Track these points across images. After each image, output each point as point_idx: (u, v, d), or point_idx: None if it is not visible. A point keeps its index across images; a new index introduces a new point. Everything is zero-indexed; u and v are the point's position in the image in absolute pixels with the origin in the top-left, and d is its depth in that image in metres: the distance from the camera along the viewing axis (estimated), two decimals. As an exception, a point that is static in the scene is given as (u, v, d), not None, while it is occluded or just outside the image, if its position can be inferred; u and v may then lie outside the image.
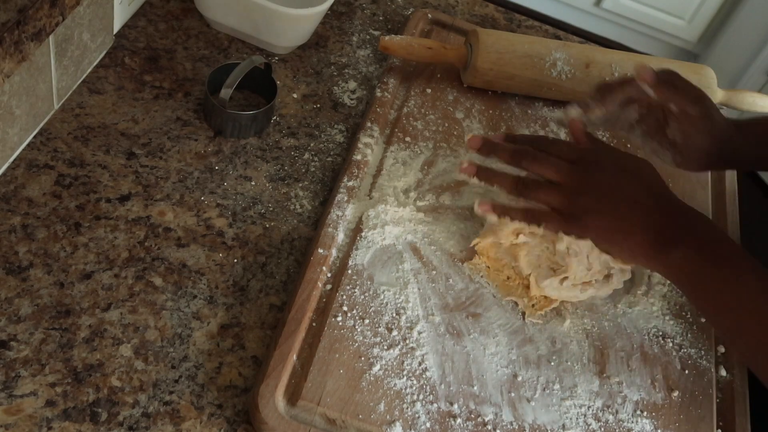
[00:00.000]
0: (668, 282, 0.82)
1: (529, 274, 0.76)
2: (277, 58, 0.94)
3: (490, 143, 0.75)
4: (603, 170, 0.68)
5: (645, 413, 0.72)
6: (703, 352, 0.78)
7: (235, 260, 0.75)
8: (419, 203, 0.81)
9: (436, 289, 0.75)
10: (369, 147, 0.84)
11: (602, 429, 0.70)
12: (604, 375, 0.74)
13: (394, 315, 0.72)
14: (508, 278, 0.78)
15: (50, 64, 0.75)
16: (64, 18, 0.68)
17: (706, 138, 0.78)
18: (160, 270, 0.72)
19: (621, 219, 0.67)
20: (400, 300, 0.73)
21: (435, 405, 0.68)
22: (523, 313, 0.76)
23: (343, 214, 0.78)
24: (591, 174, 0.69)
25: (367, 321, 0.71)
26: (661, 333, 0.78)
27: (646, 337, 0.77)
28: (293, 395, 0.66)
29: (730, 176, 0.97)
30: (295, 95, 0.90)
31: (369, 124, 0.86)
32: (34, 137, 0.77)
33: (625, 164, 0.69)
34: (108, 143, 0.79)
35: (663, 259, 0.67)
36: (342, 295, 0.72)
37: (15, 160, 0.75)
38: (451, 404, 0.68)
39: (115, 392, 0.64)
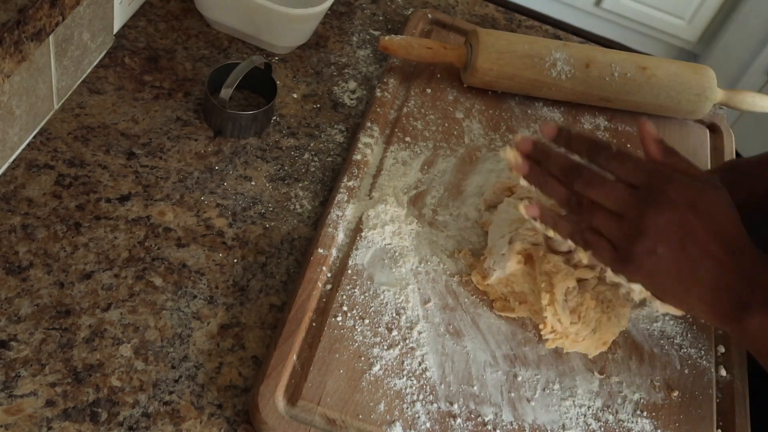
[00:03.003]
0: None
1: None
2: (277, 58, 0.94)
3: (541, 149, 0.64)
4: (671, 205, 0.57)
5: (645, 413, 0.72)
6: (703, 352, 0.78)
7: (235, 260, 0.75)
8: (420, 206, 0.81)
9: (436, 289, 0.75)
10: (369, 147, 0.84)
11: (602, 429, 0.70)
12: (604, 375, 0.74)
13: (394, 315, 0.72)
14: (506, 299, 0.76)
15: (50, 64, 0.75)
16: (64, 18, 0.68)
17: None
18: (160, 270, 0.72)
19: (686, 270, 0.57)
20: (400, 300, 0.73)
21: (435, 405, 0.68)
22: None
23: (343, 214, 0.78)
24: (656, 208, 0.57)
25: (367, 321, 0.71)
26: (661, 333, 0.78)
27: (647, 337, 0.77)
28: (293, 395, 0.66)
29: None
30: (295, 95, 0.90)
31: (369, 124, 0.86)
32: (34, 137, 0.77)
33: (699, 199, 0.57)
34: (108, 143, 0.79)
35: (735, 323, 0.58)
36: (342, 295, 0.72)
37: (15, 160, 0.75)
38: (451, 404, 0.68)
39: (115, 392, 0.64)
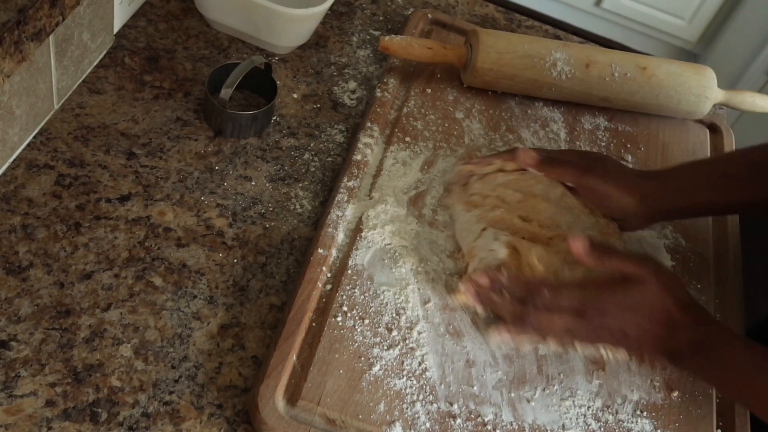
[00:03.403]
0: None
1: None
2: (277, 58, 0.94)
3: (484, 294, 0.73)
4: (606, 314, 0.69)
5: (645, 413, 0.72)
6: (703, 352, 0.78)
7: (235, 260, 0.75)
8: (420, 206, 0.81)
9: (436, 289, 0.75)
10: (369, 147, 0.84)
11: (602, 429, 0.70)
12: (604, 375, 0.74)
13: (394, 315, 0.72)
14: None
15: (50, 64, 0.75)
16: (64, 18, 0.68)
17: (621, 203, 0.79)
18: (160, 270, 0.72)
19: (630, 345, 0.71)
20: (400, 300, 0.73)
21: (435, 405, 0.68)
22: None
23: (343, 214, 0.78)
24: (597, 321, 0.70)
25: (367, 321, 0.71)
26: (661, 333, 0.78)
27: (646, 337, 0.77)
28: (293, 395, 0.66)
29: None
30: (295, 95, 0.90)
31: (369, 124, 0.86)
32: (34, 137, 0.77)
33: (627, 302, 0.70)
34: (108, 143, 0.79)
35: (678, 367, 0.73)
36: (342, 295, 0.72)
37: (15, 160, 0.75)
38: (451, 404, 0.68)
39: (115, 392, 0.64)
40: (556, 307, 0.70)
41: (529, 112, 0.95)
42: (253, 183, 0.81)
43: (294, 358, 0.67)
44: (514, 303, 0.71)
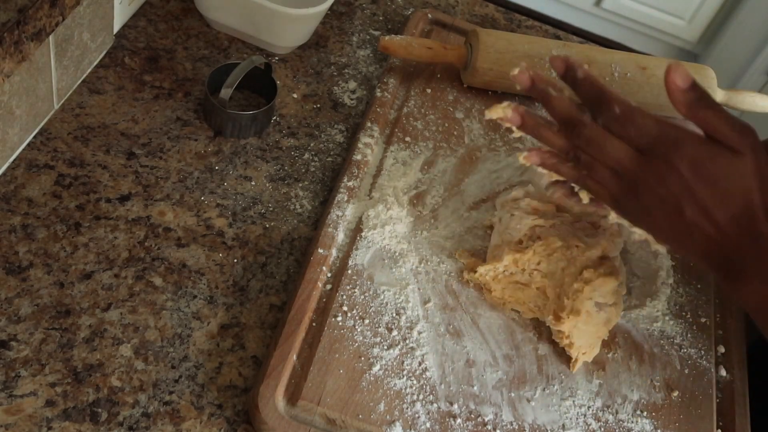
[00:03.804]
0: (671, 283, 0.82)
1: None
2: (277, 58, 0.94)
3: (540, 91, 0.60)
4: (672, 174, 0.54)
5: (645, 413, 0.72)
6: (703, 352, 0.78)
7: (235, 260, 0.75)
8: (420, 206, 0.81)
9: (436, 289, 0.75)
10: (369, 147, 0.84)
11: (602, 429, 0.70)
12: (604, 375, 0.74)
13: (394, 315, 0.72)
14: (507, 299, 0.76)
15: (50, 64, 0.75)
16: (64, 18, 0.68)
17: None
18: (160, 270, 0.72)
19: (681, 232, 0.56)
20: (400, 300, 0.73)
21: (435, 405, 0.68)
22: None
23: (343, 214, 0.78)
24: (656, 176, 0.55)
25: (367, 321, 0.71)
26: (661, 333, 0.78)
27: (647, 337, 0.77)
28: (293, 395, 0.66)
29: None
30: (295, 95, 0.90)
31: (369, 124, 0.86)
32: (34, 137, 0.77)
33: (708, 165, 0.54)
34: (108, 143, 0.79)
35: (728, 286, 0.57)
36: (342, 295, 0.72)
37: (15, 160, 0.75)
38: (451, 404, 0.68)
39: (115, 392, 0.64)
40: (620, 131, 0.55)
41: (529, 112, 0.95)
42: (253, 183, 0.81)
43: (294, 358, 0.67)
44: (570, 107, 0.58)
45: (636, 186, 0.56)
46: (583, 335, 0.72)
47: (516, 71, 0.60)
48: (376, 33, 1.01)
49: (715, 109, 0.55)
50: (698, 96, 0.55)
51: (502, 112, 0.62)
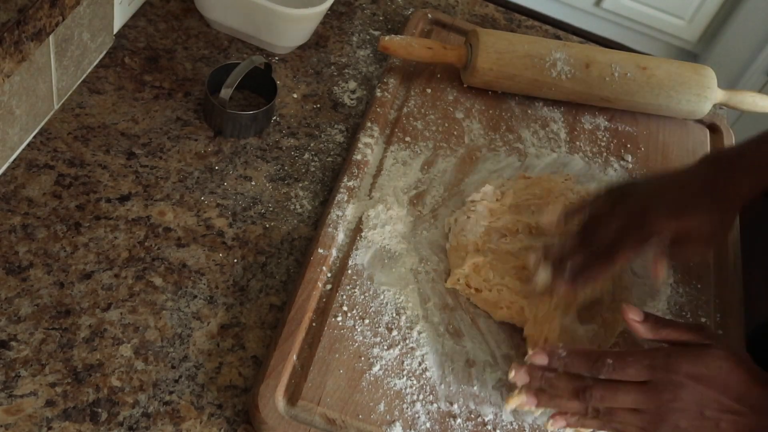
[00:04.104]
0: (671, 283, 0.82)
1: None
2: (277, 58, 0.94)
3: (544, 377, 0.66)
4: (680, 387, 0.62)
5: (645, 413, 0.72)
6: (703, 352, 0.78)
7: (235, 260, 0.75)
8: (420, 206, 0.81)
9: (435, 289, 0.75)
10: (369, 147, 0.84)
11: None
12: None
13: (394, 315, 0.72)
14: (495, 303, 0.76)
15: (50, 64, 0.75)
16: (64, 18, 0.68)
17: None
18: (160, 270, 0.72)
19: (709, 431, 0.63)
20: (400, 300, 0.73)
21: (435, 405, 0.68)
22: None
23: (343, 214, 0.78)
24: (669, 395, 0.62)
25: (367, 321, 0.71)
26: (661, 333, 0.78)
27: (646, 337, 0.77)
28: (293, 395, 0.66)
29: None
30: (295, 95, 0.90)
31: (369, 124, 0.86)
32: (34, 137, 0.77)
33: (704, 369, 0.62)
34: (108, 143, 0.79)
35: None
36: (342, 295, 0.72)
37: (15, 160, 0.75)
38: (451, 404, 0.68)
39: (115, 392, 0.64)
40: (622, 377, 0.62)
41: (529, 112, 0.95)
42: (253, 183, 0.81)
43: (294, 358, 0.67)
44: (573, 378, 0.64)
45: (658, 413, 0.63)
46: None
47: (512, 374, 0.66)
48: (376, 33, 1.01)
49: (671, 325, 0.66)
50: (654, 322, 0.66)
51: (519, 400, 0.66)
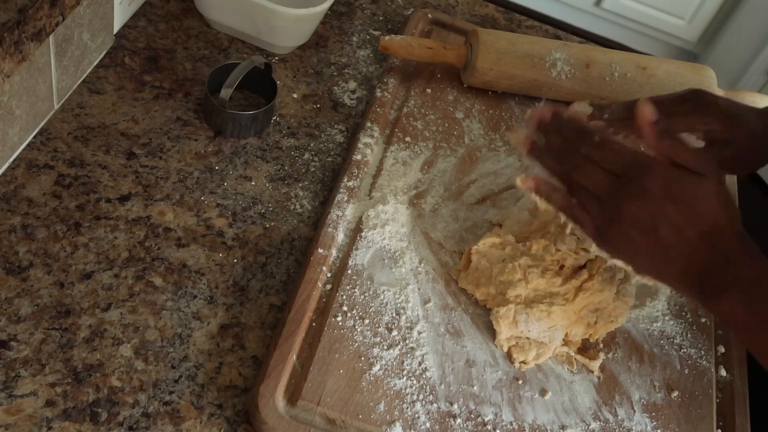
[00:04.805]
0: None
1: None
2: (277, 58, 0.94)
3: (545, 126, 0.67)
4: (645, 193, 0.59)
5: (645, 413, 0.72)
6: (703, 352, 0.78)
7: (235, 260, 0.75)
8: (420, 206, 0.81)
9: (436, 289, 0.75)
10: (369, 147, 0.84)
11: (602, 429, 0.70)
12: (604, 374, 0.74)
13: (394, 315, 0.72)
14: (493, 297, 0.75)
15: (50, 64, 0.75)
16: (64, 18, 0.68)
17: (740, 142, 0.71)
18: (160, 270, 0.72)
19: (658, 253, 0.60)
20: (400, 300, 0.73)
21: (435, 405, 0.68)
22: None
23: (343, 214, 0.78)
24: (630, 197, 0.60)
25: (367, 321, 0.71)
26: (661, 333, 0.78)
27: (647, 337, 0.77)
28: (293, 395, 0.66)
29: (730, 177, 0.97)
30: (295, 95, 0.90)
31: (369, 124, 0.86)
32: (34, 137, 0.77)
33: (677, 187, 0.58)
34: (108, 143, 0.79)
35: (708, 305, 0.60)
36: (342, 295, 0.72)
37: (15, 160, 0.75)
38: (451, 404, 0.68)
39: (115, 392, 0.64)
40: (599, 159, 0.61)
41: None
42: (253, 183, 0.81)
43: (294, 358, 0.67)
44: (563, 140, 0.64)
45: (614, 208, 0.61)
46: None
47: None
48: (376, 33, 1.01)
49: (678, 142, 0.61)
50: (662, 130, 0.61)
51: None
